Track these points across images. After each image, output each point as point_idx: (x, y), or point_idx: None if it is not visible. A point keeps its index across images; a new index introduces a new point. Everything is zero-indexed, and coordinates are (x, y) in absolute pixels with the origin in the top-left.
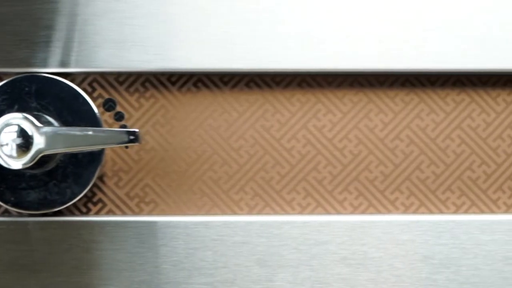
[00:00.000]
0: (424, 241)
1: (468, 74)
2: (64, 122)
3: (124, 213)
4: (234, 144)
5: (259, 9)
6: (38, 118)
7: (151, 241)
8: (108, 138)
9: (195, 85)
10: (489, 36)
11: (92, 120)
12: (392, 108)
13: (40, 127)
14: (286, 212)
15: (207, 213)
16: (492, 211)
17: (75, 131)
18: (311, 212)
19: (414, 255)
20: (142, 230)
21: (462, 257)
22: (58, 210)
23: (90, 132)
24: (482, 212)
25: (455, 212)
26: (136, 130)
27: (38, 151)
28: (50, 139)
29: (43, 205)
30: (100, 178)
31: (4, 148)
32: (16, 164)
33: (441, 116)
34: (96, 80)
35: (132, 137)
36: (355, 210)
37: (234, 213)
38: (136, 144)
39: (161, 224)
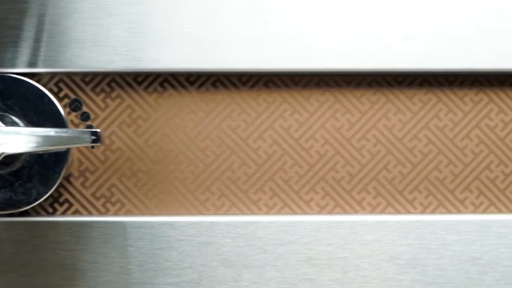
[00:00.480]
0: (391, 241)
1: (435, 74)
2: (30, 123)
3: (90, 214)
4: (200, 144)
5: (224, 9)
6: (3, 118)
7: (117, 241)
8: (71, 138)
9: (161, 85)
10: (456, 36)
11: (58, 121)
12: (359, 108)
13: (2, 127)
14: (253, 212)
15: (173, 213)
16: (459, 211)
17: (38, 131)
18: (278, 212)
19: (380, 255)
20: (108, 231)
21: (428, 257)
22: (24, 210)
23: (53, 133)
24: (449, 212)
25: (422, 212)
26: (99, 130)
27: (1, 152)
28: (12, 140)
29: (8, 205)
30: (66, 178)
31: None
32: None
33: (408, 116)
34: (62, 80)
35: (94, 137)
36: (321, 210)
37: (200, 213)
38: (99, 144)
39: (127, 224)
